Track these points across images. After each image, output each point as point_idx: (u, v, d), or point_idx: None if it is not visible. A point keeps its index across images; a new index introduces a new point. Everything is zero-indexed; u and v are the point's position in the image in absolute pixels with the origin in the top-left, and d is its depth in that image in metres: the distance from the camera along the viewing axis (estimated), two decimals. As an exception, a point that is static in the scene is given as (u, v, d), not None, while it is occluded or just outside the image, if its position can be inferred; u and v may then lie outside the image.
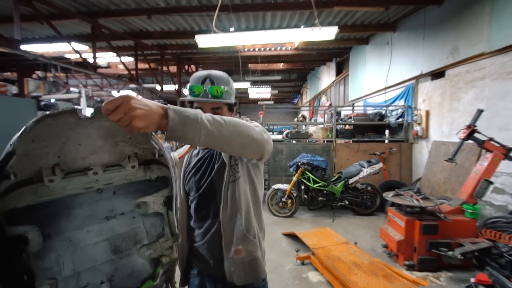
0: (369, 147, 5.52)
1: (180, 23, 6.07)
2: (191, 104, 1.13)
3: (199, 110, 0.76)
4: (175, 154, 1.22)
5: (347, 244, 3.23)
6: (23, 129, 0.59)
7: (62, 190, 0.72)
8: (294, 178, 4.70)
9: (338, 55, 9.50)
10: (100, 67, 9.20)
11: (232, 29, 6.28)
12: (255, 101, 17.46)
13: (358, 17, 5.85)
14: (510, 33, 3.33)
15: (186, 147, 1.26)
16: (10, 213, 0.65)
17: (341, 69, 10.04)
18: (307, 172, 4.72)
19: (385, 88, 6.36)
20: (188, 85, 1.09)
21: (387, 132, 6.11)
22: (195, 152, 1.24)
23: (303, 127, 8.02)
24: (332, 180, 4.81)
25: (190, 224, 1.21)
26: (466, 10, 4.07)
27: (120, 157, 0.80)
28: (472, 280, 2.05)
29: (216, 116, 0.80)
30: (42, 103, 7.61)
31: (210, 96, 1.07)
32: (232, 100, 1.15)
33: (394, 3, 4.98)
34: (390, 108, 6.00)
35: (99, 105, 0.62)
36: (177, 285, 1.01)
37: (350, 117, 6.27)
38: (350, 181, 4.66)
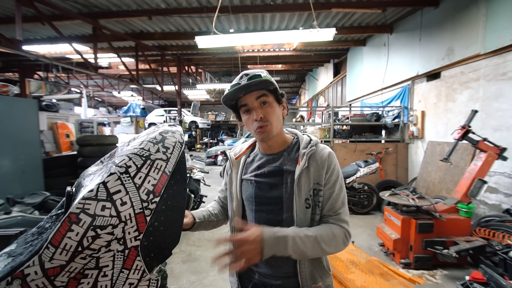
0: (366, 147, 5.56)
1: (180, 24, 6.11)
2: (235, 108, 1.02)
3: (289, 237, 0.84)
4: (232, 154, 1.11)
5: (344, 243, 3.26)
6: None
7: None
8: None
9: (336, 56, 9.53)
10: (101, 67, 9.23)
11: (231, 30, 6.33)
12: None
13: (355, 19, 5.89)
14: (504, 35, 3.36)
15: (242, 146, 1.15)
16: None
17: (338, 70, 10.08)
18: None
19: (381, 89, 6.40)
20: (225, 92, 0.98)
21: (383, 132, 6.14)
22: (257, 157, 1.07)
23: (301, 127, 8.06)
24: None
25: None
26: (462, 12, 4.10)
27: None
28: (467, 278, 2.05)
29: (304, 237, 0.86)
30: (44, 103, 7.63)
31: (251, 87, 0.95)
32: (277, 89, 1.01)
33: (391, 5, 5.02)
34: (387, 108, 6.04)
35: None
36: None
37: (348, 118, 6.30)
38: (347, 180, 4.68)
